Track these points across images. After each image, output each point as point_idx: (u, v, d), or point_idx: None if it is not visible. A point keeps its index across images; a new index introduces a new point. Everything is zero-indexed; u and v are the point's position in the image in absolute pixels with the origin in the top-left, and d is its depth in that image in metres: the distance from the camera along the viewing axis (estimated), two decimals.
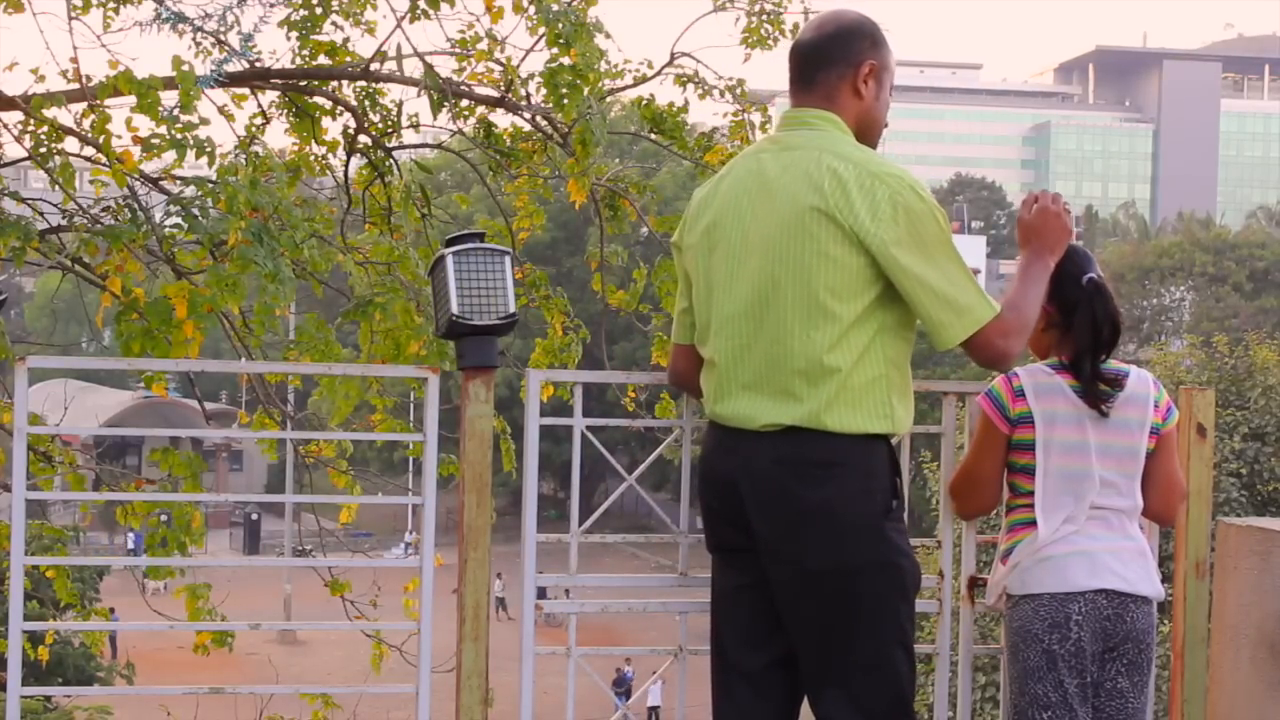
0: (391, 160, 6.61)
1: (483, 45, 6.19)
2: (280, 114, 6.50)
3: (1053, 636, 3.38)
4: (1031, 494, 3.45)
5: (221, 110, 5.94)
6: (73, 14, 5.66)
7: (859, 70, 3.21)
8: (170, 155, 5.00)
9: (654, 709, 26.57)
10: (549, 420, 3.61)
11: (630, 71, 6.70)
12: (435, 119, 6.09)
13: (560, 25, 5.61)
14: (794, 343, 3.10)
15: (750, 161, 3.27)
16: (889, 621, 3.14)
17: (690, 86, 6.73)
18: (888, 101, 3.29)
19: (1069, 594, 3.38)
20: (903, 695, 3.17)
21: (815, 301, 3.08)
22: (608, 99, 6.50)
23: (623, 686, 25.46)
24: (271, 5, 5.85)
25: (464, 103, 6.32)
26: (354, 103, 6.32)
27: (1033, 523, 3.44)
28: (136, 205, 5.24)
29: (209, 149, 4.96)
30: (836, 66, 3.21)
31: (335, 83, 6.33)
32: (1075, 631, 3.38)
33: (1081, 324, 3.45)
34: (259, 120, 6.46)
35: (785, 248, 3.11)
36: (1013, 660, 3.45)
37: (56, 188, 5.22)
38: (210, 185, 4.98)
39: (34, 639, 7.01)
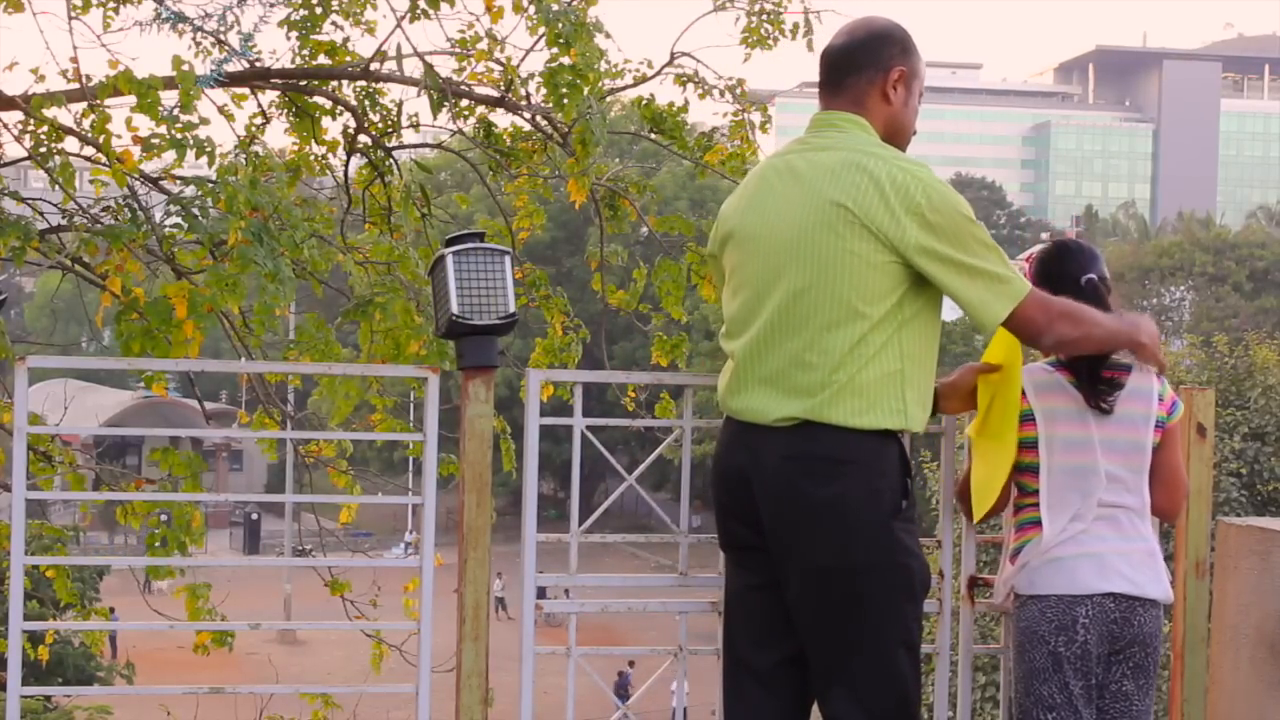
0: (391, 160, 6.61)
1: (483, 45, 6.19)
2: (280, 114, 6.49)
3: (1059, 639, 3.37)
4: (1038, 492, 3.45)
5: (221, 110, 5.93)
6: (73, 14, 5.65)
7: (888, 76, 3.25)
8: (170, 155, 5.00)
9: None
10: (549, 420, 3.61)
11: (630, 71, 6.69)
12: (435, 119, 6.08)
13: (560, 25, 5.61)
14: (816, 340, 3.12)
15: (778, 162, 3.29)
16: (894, 621, 3.15)
17: (690, 86, 6.72)
18: (916, 108, 3.34)
19: (1076, 596, 3.37)
20: (907, 696, 3.18)
21: (842, 301, 3.10)
22: (608, 99, 6.49)
23: (624, 687, 25.44)
24: (271, 5, 5.85)
25: (464, 102, 6.31)
26: (354, 102, 6.32)
27: (1039, 522, 3.43)
28: (136, 205, 5.23)
29: (209, 149, 4.96)
30: (866, 72, 3.26)
31: (335, 82, 6.33)
32: (1082, 634, 3.36)
33: None
34: (259, 120, 6.45)
35: (812, 246, 3.13)
36: (1018, 660, 3.45)
37: (56, 188, 5.21)
38: (210, 185, 4.97)
39: (34, 639, 7.01)
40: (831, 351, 3.10)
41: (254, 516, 44.33)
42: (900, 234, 3.08)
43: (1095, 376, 3.43)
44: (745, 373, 3.23)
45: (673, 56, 6.69)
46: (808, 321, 3.13)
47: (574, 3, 5.90)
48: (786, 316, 3.16)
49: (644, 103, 6.63)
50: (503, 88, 6.25)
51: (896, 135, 3.29)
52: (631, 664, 26.47)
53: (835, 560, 3.11)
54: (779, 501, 3.15)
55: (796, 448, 3.12)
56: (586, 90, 5.73)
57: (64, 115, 5.31)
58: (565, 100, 5.70)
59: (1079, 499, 3.41)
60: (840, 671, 3.16)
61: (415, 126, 6.56)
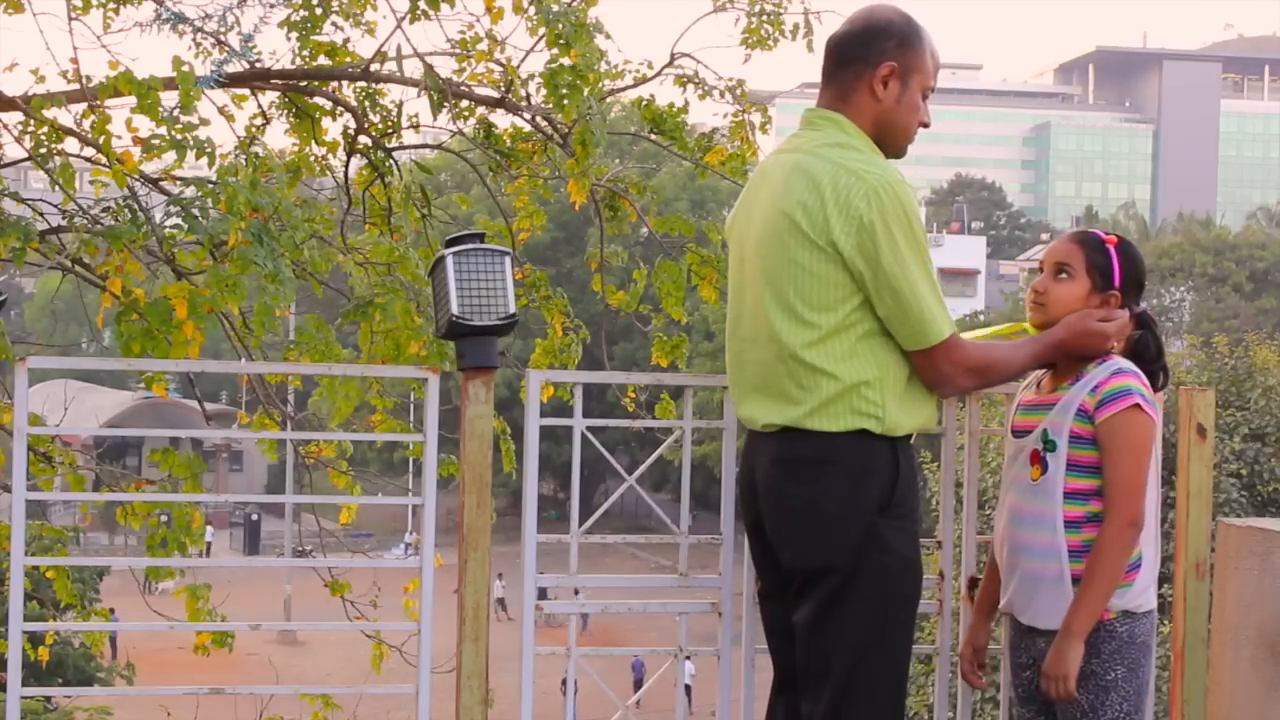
0: (391, 161, 6.61)
1: (483, 46, 6.19)
2: (280, 114, 6.50)
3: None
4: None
5: (221, 110, 5.93)
6: (73, 14, 5.66)
7: (876, 71, 3.13)
8: (170, 156, 5.00)
9: (685, 687, 26.55)
10: (549, 420, 3.61)
11: (630, 72, 6.70)
12: (435, 119, 6.08)
13: (560, 26, 5.61)
14: (778, 348, 3.12)
15: (763, 163, 3.30)
16: (869, 622, 3.10)
17: (690, 87, 6.72)
18: (916, 103, 3.18)
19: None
20: (877, 700, 3.13)
21: (789, 309, 3.08)
22: (608, 99, 6.49)
23: (639, 670, 25.51)
24: (271, 5, 5.85)
25: (464, 103, 6.31)
26: (354, 103, 6.32)
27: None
28: (136, 206, 5.23)
29: (209, 149, 4.96)
30: (855, 66, 3.15)
31: (335, 83, 6.33)
32: None
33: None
34: (259, 121, 6.46)
35: (764, 254, 3.13)
36: (1133, 675, 3.31)
37: (56, 188, 5.22)
38: (210, 186, 4.97)
39: (34, 639, 7.00)
40: (795, 361, 3.07)
41: (254, 517, 44.34)
42: (837, 240, 3.00)
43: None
44: (735, 381, 3.28)
45: (673, 57, 6.69)
46: (771, 331, 3.12)
47: (574, 3, 5.90)
48: (757, 325, 3.16)
49: (644, 103, 6.63)
50: (503, 88, 6.25)
51: (890, 133, 3.16)
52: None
53: (812, 560, 3.11)
54: (770, 504, 3.18)
55: (781, 451, 3.14)
56: (586, 91, 5.73)
57: (64, 116, 5.32)
58: (565, 101, 5.70)
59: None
60: (815, 673, 3.14)
61: (415, 127, 6.56)
